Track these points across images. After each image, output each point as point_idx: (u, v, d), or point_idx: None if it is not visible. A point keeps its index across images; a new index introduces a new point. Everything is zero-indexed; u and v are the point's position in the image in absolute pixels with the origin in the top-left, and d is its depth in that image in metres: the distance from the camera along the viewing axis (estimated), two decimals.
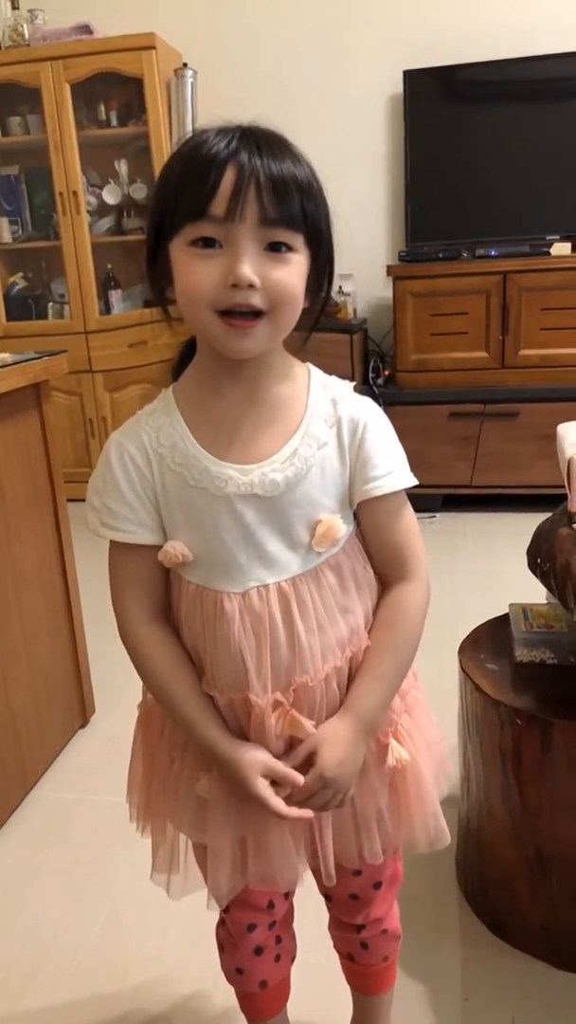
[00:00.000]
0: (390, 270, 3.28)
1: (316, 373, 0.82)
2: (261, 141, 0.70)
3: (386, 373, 3.48)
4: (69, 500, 1.88)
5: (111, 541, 0.81)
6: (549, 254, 3.17)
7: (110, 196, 3.63)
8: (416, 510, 0.85)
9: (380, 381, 3.42)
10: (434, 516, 3.19)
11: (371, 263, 3.45)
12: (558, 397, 3.11)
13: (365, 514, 0.81)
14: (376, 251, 3.61)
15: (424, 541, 0.85)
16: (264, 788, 0.77)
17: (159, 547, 0.80)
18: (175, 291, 0.74)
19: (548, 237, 3.24)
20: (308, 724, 0.79)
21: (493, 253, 3.22)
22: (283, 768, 0.78)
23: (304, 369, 0.82)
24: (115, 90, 3.52)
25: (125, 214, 3.66)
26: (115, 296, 3.71)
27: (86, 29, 3.44)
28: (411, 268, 3.27)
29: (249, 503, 0.76)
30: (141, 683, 0.87)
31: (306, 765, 0.78)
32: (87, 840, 1.60)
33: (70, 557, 1.88)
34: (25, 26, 3.50)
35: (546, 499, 3.01)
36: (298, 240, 0.71)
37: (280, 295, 0.71)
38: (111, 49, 3.36)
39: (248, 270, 0.68)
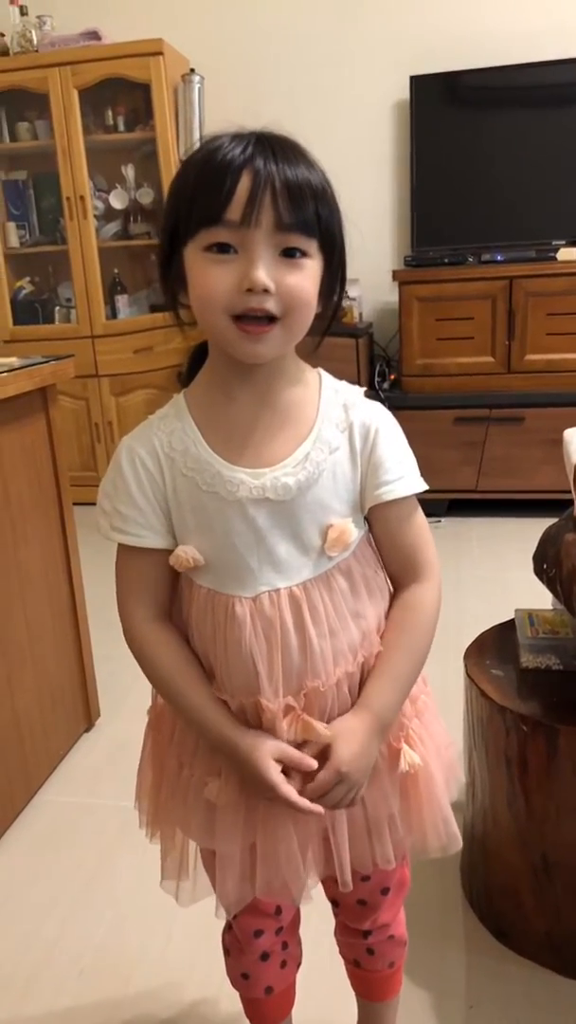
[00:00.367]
0: (396, 275, 3.29)
1: (327, 378, 0.83)
2: (276, 147, 0.70)
3: (392, 377, 3.48)
4: (75, 504, 1.88)
5: (119, 544, 0.81)
6: (555, 259, 3.17)
7: (117, 201, 3.64)
8: None
9: (386, 385, 3.43)
10: (439, 521, 3.19)
11: (377, 268, 3.46)
12: (564, 402, 3.11)
13: (377, 518, 0.81)
14: (382, 256, 3.61)
15: None
16: (276, 774, 0.76)
17: (167, 551, 0.80)
18: (189, 296, 0.75)
19: (554, 242, 3.23)
20: (320, 726, 0.78)
21: (499, 258, 3.22)
22: (296, 753, 0.77)
23: (315, 374, 0.82)
24: (122, 95, 3.53)
25: (132, 219, 3.68)
26: (121, 301, 3.72)
27: (94, 35, 3.46)
28: (417, 273, 3.28)
29: (261, 507, 0.76)
30: (149, 688, 0.87)
31: (320, 761, 0.78)
32: (91, 844, 1.60)
33: (76, 561, 1.88)
34: (33, 32, 3.52)
35: (552, 504, 3.01)
36: (312, 246, 0.72)
37: (294, 300, 0.71)
38: (119, 55, 3.38)
39: (263, 275, 0.69)
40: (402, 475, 0.80)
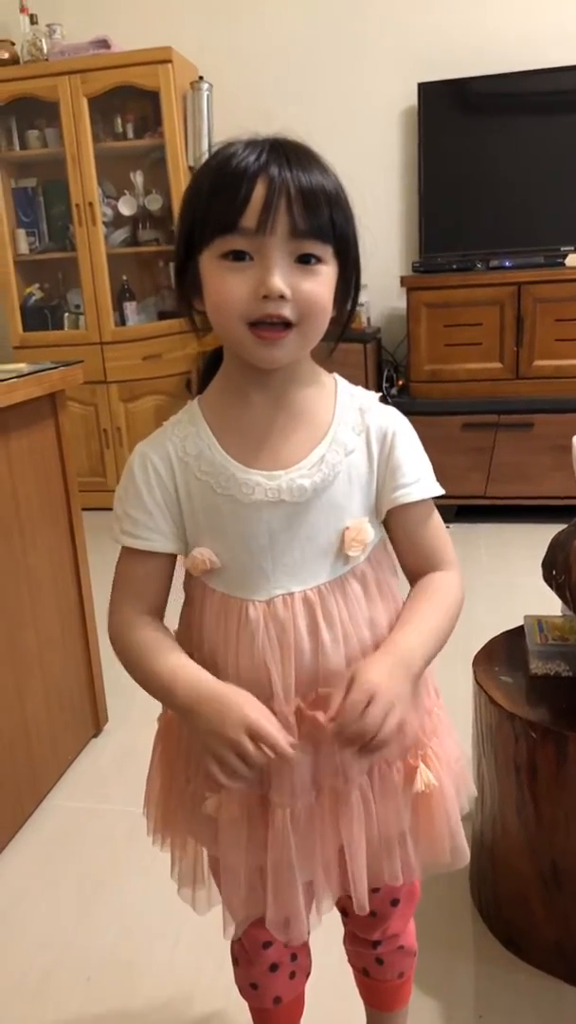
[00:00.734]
0: (404, 281, 3.29)
1: (343, 382, 0.83)
2: (290, 153, 0.70)
3: (400, 383, 3.48)
4: (84, 509, 1.88)
5: (123, 547, 0.81)
6: (564, 265, 3.17)
7: (126, 207, 3.66)
8: None
9: (393, 391, 3.43)
10: (448, 527, 3.17)
11: (385, 273, 3.46)
12: (573, 408, 3.10)
13: (396, 522, 0.81)
14: (390, 262, 3.62)
15: None
16: (260, 718, 0.71)
17: (172, 557, 0.80)
18: (205, 303, 0.75)
19: (563, 248, 3.23)
20: (321, 716, 0.75)
21: (507, 264, 3.22)
22: (272, 724, 0.72)
23: (331, 378, 0.83)
24: (132, 103, 3.55)
25: (140, 225, 3.70)
26: (130, 308, 3.74)
27: (103, 43, 3.48)
28: (425, 279, 3.28)
29: (276, 510, 0.76)
30: None
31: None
32: (99, 849, 1.60)
33: (84, 566, 1.88)
34: (43, 41, 3.55)
35: (561, 510, 3.01)
36: (327, 252, 0.72)
37: (310, 307, 0.71)
38: (128, 63, 3.40)
39: (279, 282, 0.69)
40: (419, 478, 0.80)
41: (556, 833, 1.18)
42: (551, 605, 1.41)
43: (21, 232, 3.76)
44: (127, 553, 0.81)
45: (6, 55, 3.56)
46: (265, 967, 0.96)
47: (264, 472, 0.76)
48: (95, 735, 1.97)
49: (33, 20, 3.57)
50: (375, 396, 0.83)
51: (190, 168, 3.52)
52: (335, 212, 0.72)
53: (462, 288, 3.21)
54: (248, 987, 0.99)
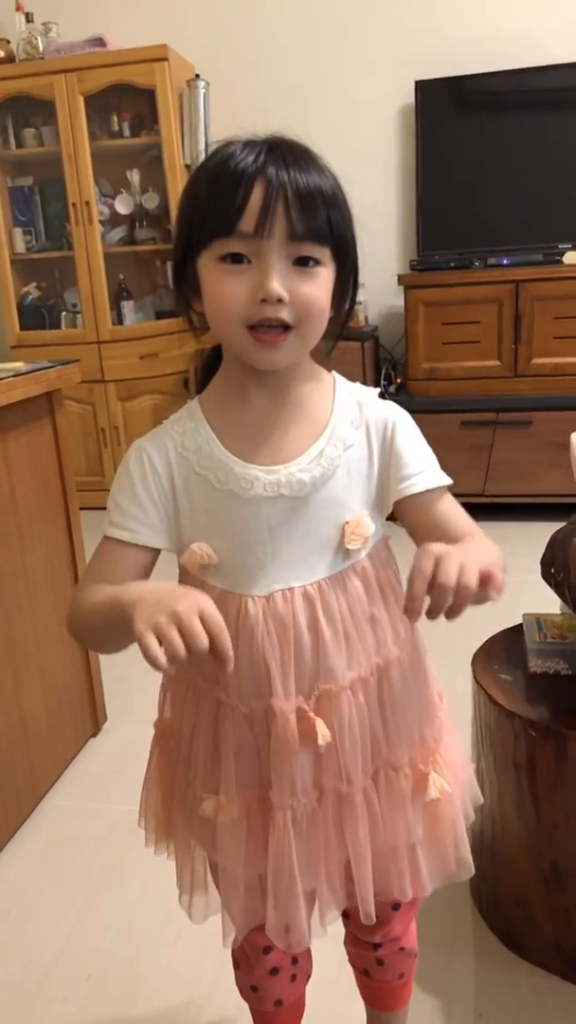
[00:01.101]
0: (401, 279, 3.29)
1: (341, 379, 0.83)
2: (288, 154, 0.70)
3: (398, 381, 3.47)
4: (81, 508, 1.88)
5: (105, 537, 0.79)
6: (562, 263, 3.16)
7: (122, 206, 3.65)
8: None
9: (392, 389, 3.42)
10: None
11: (382, 271, 3.46)
12: (572, 406, 3.10)
13: (407, 512, 0.80)
14: (387, 260, 3.61)
15: None
16: (215, 609, 0.63)
17: (155, 552, 0.79)
18: (204, 305, 0.75)
19: (560, 246, 3.23)
20: (322, 728, 0.76)
21: (505, 262, 3.21)
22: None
23: (330, 375, 0.83)
24: (128, 101, 3.55)
25: (137, 224, 3.69)
26: (127, 307, 3.73)
27: (99, 42, 3.47)
28: (422, 277, 3.28)
29: (276, 504, 0.76)
30: (156, 692, 0.86)
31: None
32: (98, 849, 1.60)
33: (82, 565, 1.88)
34: (39, 39, 3.54)
35: (560, 508, 3.00)
36: (325, 253, 0.72)
37: (308, 309, 0.71)
38: (124, 61, 3.39)
39: (277, 286, 0.69)
40: (423, 469, 0.79)
41: (556, 831, 1.18)
42: (550, 603, 1.41)
43: (18, 231, 3.75)
44: (107, 543, 0.79)
45: (2, 53, 3.55)
46: (266, 971, 0.96)
47: (263, 467, 0.76)
48: (94, 734, 1.97)
49: (29, 18, 3.56)
50: (374, 391, 0.82)
51: (187, 166, 3.52)
52: (333, 213, 0.71)
53: (460, 286, 3.21)
54: (249, 990, 0.99)
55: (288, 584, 0.77)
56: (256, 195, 0.68)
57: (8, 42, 3.58)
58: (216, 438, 0.78)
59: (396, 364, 3.60)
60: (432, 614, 0.63)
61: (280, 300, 0.69)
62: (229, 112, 3.44)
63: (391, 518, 0.83)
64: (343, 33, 3.52)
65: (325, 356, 0.81)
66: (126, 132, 3.60)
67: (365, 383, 0.84)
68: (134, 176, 3.64)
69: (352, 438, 0.78)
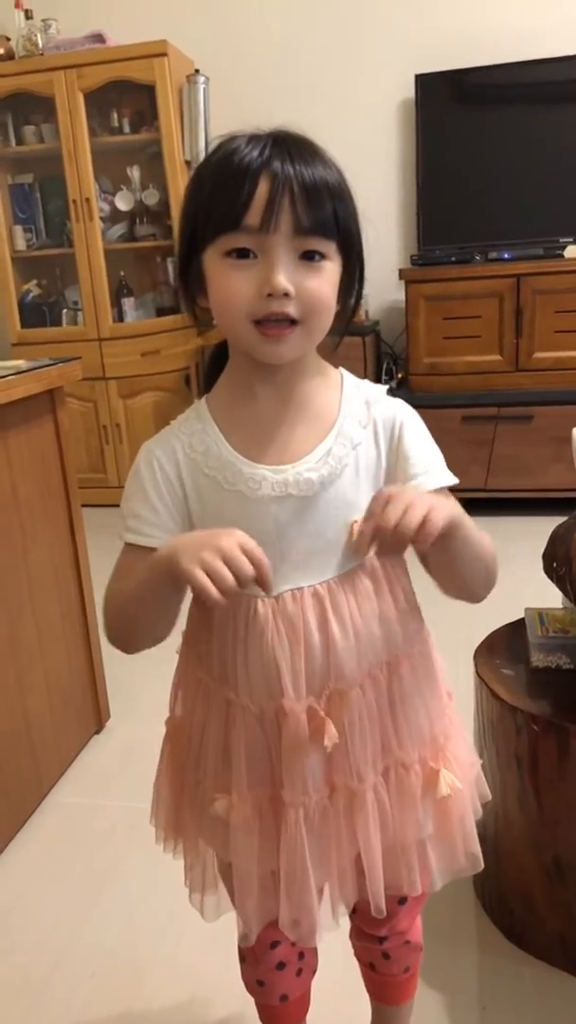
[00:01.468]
0: (402, 274, 3.28)
1: (348, 376, 0.83)
2: (293, 148, 0.70)
3: (399, 376, 3.47)
4: (84, 506, 1.88)
5: (125, 543, 0.80)
6: (563, 256, 3.16)
7: (122, 202, 3.65)
8: None
9: (393, 383, 3.42)
10: None
11: (383, 266, 3.45)
12: (573, 400, 3.10)
13: None
14: (388, 254, 3.60)
15: None
16: (252, 540, 0.67)
17: None
18: (209, 301, 0.75)
19: (562, 240, 3.22)
20: (332, 728, 0.76)
21: (506, 256, 3.21)
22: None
23: (337, 372, 0.82)
24: (128, 97, 3.54)
25: (137, 220, 3.68)
26: (128, 304, 3.73)
27: (99, 38, 3.47)
28: (423, 272, 3.27)
29: (284, 504, 0.76)
30: (160, 689, 0.86)
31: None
32: (102, 846, 1.60)
33: (85, 563, 1.88)
34: (39, 36, 3.53)
35: (561, 502, 3.00)
36: (331, 247, 0.72)
37: (314, 304, 0.71)
38: (124, 57, 3.39)
39: (283, 280, 0.69)
40: (429, 468, 0.79)
41: (558, 826, 1.18)
42: (552, 598, 1.41)
43: (18, 228, 3.74)
44: (128, 549, 0.80)
45: (1, 51, 3.55)
46: (272, 965, 0.96)
47: (271, 466, 0.76)
48: (97, 732, 1.97)
49: (28, 15, 3.56)
50: (382, 388, 0.82)
51: (187, 162, 3.51)
52: (338, 207, 0.71)
53: (461, 280, 3.20)
54: (255, 984, 0.99)
55: (297, 584, 0.77)
56: (262, 189, 0.68)
57: (8, 39, 3.57)
58: (224, 438, 0.78)
59: (397, 359, 3.60)
60: (380, 550, 0.70)
61: (286, 295, 0.69)
62: (229, 107, 3.44)
63: None
64: (343, 27, 3.51)
65: (331, 352, 0.81)
66: (126, 128, 3.59)
67: (366, 378, 0.84)
68: (134, 172, 3.63)
69: (359, 436, 0.78)
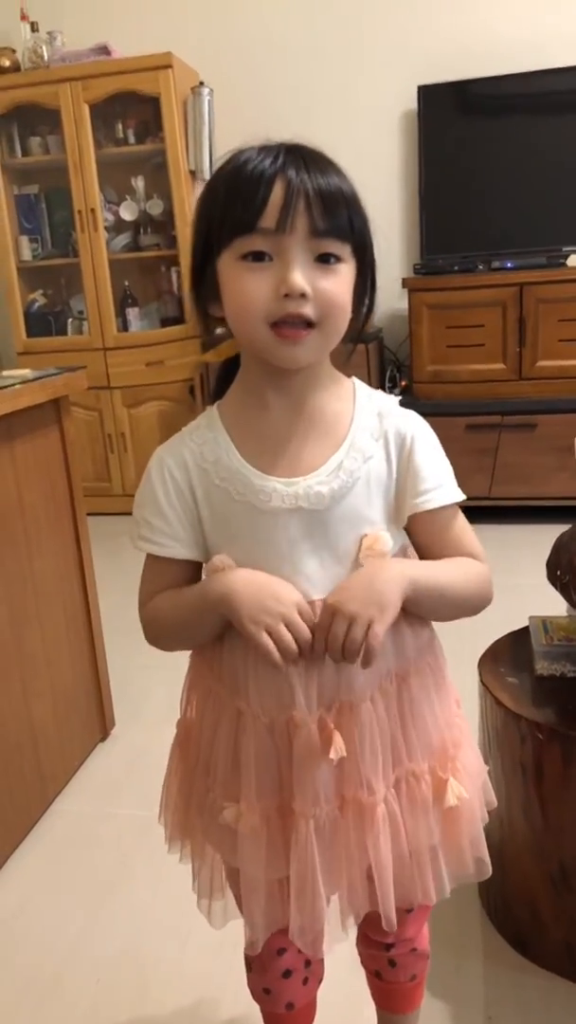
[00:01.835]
0: (405, 282, 3.29)
1: (361, 386, 0.83)
2: (306, 157, 0.71)
3: (403, 383, 3.48)
4: (89, 514, 1.89)
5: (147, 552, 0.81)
6: (566, 265, 3.17)
7: (127, 213, 3.67)
8: None
9: (396, 391, 3.43)
10: None
11: (386, 275, 3.43)
12: None
13: (419, 528, 0.81)
14: (391, 263, 3.61)
15: None
16: (303, 599, 0.75)
17: (192, 563, 0.80)
18: (224, 306, 0.75)
19: (565, 249, 3.23)
20: (339, 741, 0.77)
21: (509, 265, 3.22)
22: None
23: (349, 382, 0.82)
24: (132, 108, 3.57)
25: (142, 230, 3.70)
26: (132, 314, 3.75)
27: (104, 50, 3.49)
28: (426, 281, 3.28)
29: (294, 517, 0.76)
30: (165, 696, 0.87)
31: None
32: (108, 854, 1.60)
33: (90, 571, 1.89)
34: (44, 48, 3.56)
35: (565, 511, 3.00)
36: (346, 250, 0.72)
37: (330, 305, 0.71)
38: (129, 69, 3.41)
39: (300, 279, 0.69)
40: (440, 484, 0.79)
41: (563, 834, 1.18)
42: (556, 606, 1.41)
43: (24, 239, 3.77)
44: (150, 558, 0.82)
45: (7, 63, 3.58)
46: (279, 973, 0.96)
47: (282, 479, 0.76)
48: (102, 739, 1.97)
49: (34, 28, 3.59)
50: (395, 400, 0.82)
51: (191, 172, 3.53)
52: (353, 213, 0.72)
53: (464, 289, 3.21)
54: (261, 992, 0.99)
55: (309, 597, 0.77)
56: (277, 192, 0.68)
57: (13, 51, 3.60)
58: (235, 449, 0.78)
59: (401, 366, 3.61)
60: (331, 656, 0.74)
61: (303, 295, 0.69)
62: (233, 118, 3.46)
63: None
64: (346, 39, 3.53)
65: (345, 361, 0.81)
66: (131, 139, 3.61)
67: (370, 385, 0.84)
68: (139, 183, 3.66)
69: (371, 450, 0.78)
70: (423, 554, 0.83)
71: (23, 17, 3.59)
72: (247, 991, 1.01)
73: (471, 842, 0.86)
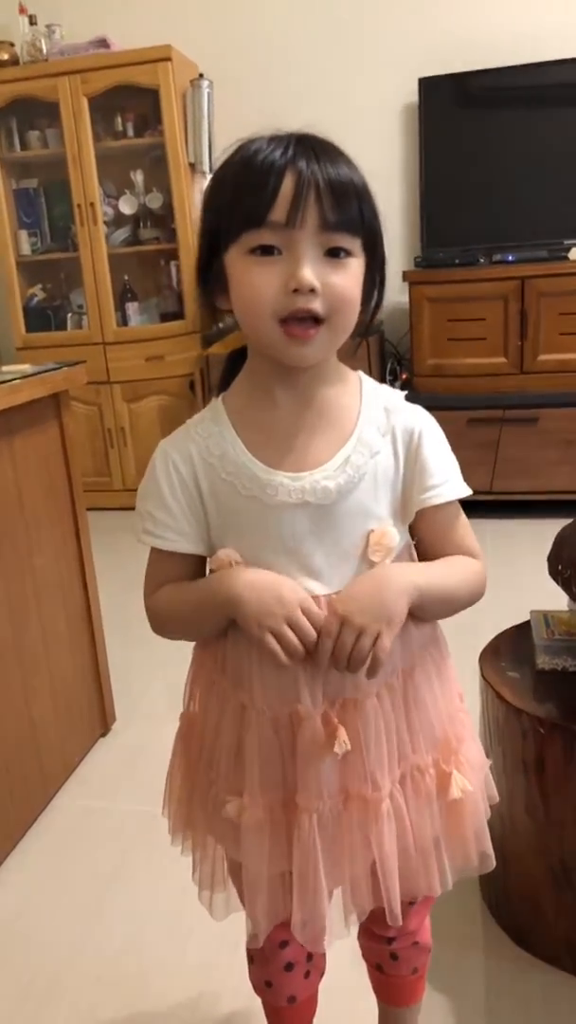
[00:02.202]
0: (406, 276, 3.28)
1: (367, 381, 0.82)
2: (317, 147, 0.70)
3: (403, 377, 3.47)
4: (89, 509, 1.89)
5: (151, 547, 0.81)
6: (567, 258, 3.15)
7: (126, 206, 3.66)
8: None
9: (397, 385, 3.42)
10: None
11: (387, 268, 3.45)
12: None
13: (424, 523, 0.81)
14: (392, 256, 3.56)
15: None
16: (308, 598, 0.74)
17: (196, 556, 0.80)
18: (232, 301, 0.74)
19: (566, 242, 3.22)
20: (343, 735, 0.76)
21: (510, 259, 3.20)
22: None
23: (356, 376, 0.82)
24: (131, 101, 3.55)
25: (141, 224, 3.69)
26: (132, 308, 3.74)
27: (103, 43, 3.48)
28: (427, 274, 3.27)
29: (301, 512, 0.76)
30: (165, 692, 0.87)
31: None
32: (109, 849, 1.60)
33: (90, 566, 1.88)
34: (43, 41, 3.54)
35: (567, 505, 3.00)
36: (356, 245, 0.71)
37: (340, 301, 0.71)
38: (128, 62, 3.39)
39: (310, 274, 0.68)
40: (447, 479, 0.79)
41: (565, 828, 1.18)
42: (557, 600, 1.41)
43: (23, 233, 3.76)
44: (154, 551, 0.82)
45: (6, 56, 3.56)
46: (280, 966, 0.96)
47: (288, 473, 0.76)
48: (103, 735, 1.97)
49: (32, 21, 3.57)
50: (401, 394, 0.82)
51: (191, 165, 3.52)
52: (363, 205, 0.71)
53: (465, 283, 3.20)
54: (263, 985, 0.99)
55: (314, 592, 0.76)
56: (287, 185, 0.67)
57: (12, 44, 3.59)
58: (241, 443, 0.77)
59: (401, 359, 3.60)
60: (334, 666, 0.74)
61: (312, 290, 0.68)
62: (233, 111, 3.44)
63: None
64: (347, 31, 3.52)
65: (351, 355, 0.80)
66: (130, 132, 3.60)
67: (370, 377, 0.84)
68: (138, 176, 3.64)
69: (378, 445, 0.78)
70: (424, 550, 0.83)
71: (21, 10, 3.57)
72: (248, 985, 1.01)
73: (475, 835, 0.86)
